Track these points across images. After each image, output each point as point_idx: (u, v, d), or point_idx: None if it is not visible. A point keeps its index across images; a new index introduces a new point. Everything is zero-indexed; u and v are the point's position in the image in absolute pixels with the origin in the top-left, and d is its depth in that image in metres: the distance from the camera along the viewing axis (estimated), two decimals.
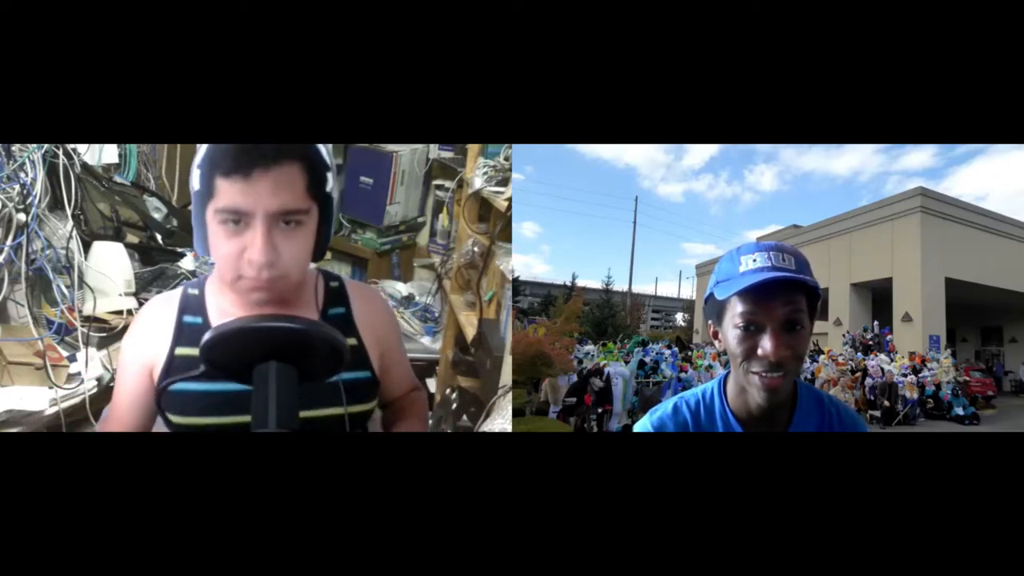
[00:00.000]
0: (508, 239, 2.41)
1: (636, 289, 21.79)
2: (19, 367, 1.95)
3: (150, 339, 1.21)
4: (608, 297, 18.76)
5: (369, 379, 1.27)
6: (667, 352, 8.43)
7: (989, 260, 10.91)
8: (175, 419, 1.18)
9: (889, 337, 9.88)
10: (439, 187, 3.31)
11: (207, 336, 0.95)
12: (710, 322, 0.89)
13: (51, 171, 2.20)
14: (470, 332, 2.37)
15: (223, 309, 1.20)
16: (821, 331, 11.52)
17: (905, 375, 7.73)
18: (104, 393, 2.02)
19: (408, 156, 3.24)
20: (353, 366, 1.24)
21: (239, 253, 1.05)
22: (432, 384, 2.74)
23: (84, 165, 2.39)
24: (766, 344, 0.80)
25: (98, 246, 2.31)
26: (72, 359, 2.08)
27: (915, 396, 7.46)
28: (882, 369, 7.79)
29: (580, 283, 20.21)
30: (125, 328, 1.30)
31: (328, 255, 3.20)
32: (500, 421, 1.87)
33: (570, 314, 9.78)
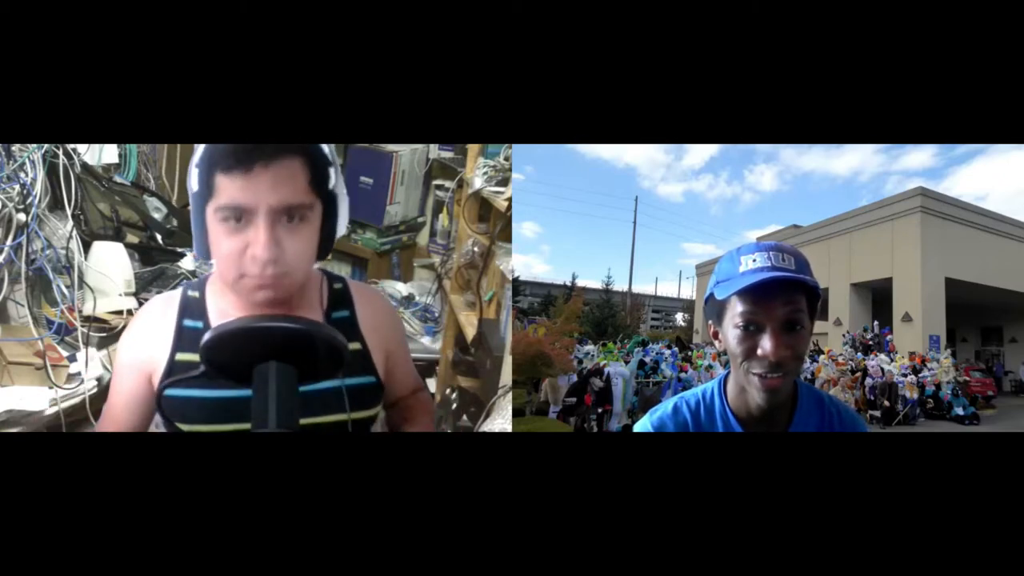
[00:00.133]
0: (508, 239, 2.41)
1: (636, 289, 21.82)
2: (19, 367, 1.95)
3: (149, 343, 1.19)
4: (608, 297, 18.76)
5: (373, 384, 1.26)
6: (667, 352, 8.43)
7: (989, 260, 10.91)
8: (176, 424, 1.17)
9: (889, 337, 9.88)
10: (439, 187, 3.31)
11: (207, 337, 0.94)
12: (710, 322, 0.89)
13: (51, 171, 2.20)
14: (470, 332, 2.37)
15: (224, 312, 1.18)
16: (821, 331, 11.52)
17: (905, 375, 7.73)
18: (104, 393, 2.02)
19: (408, 156, 3.24)
20: (357, 371, 1.23)
21: (241, 251, 1.03)
22: (432, 384, 2.74)
23: (84, 165, 2.39)
24: (766, 344, 0.80)
25: (98, 246, 2.31)
26: (72, 359, 2.08)
27: (915, 396, 7.46)
28: (882, 369, 7.79)
29: (580, 283, 20.23)
30: (125, 328, 1.29)
31: (328, 255, 3.22)
32: (500, 421, 1.87)
33: (570, 314, 9.78)
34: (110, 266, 2.28)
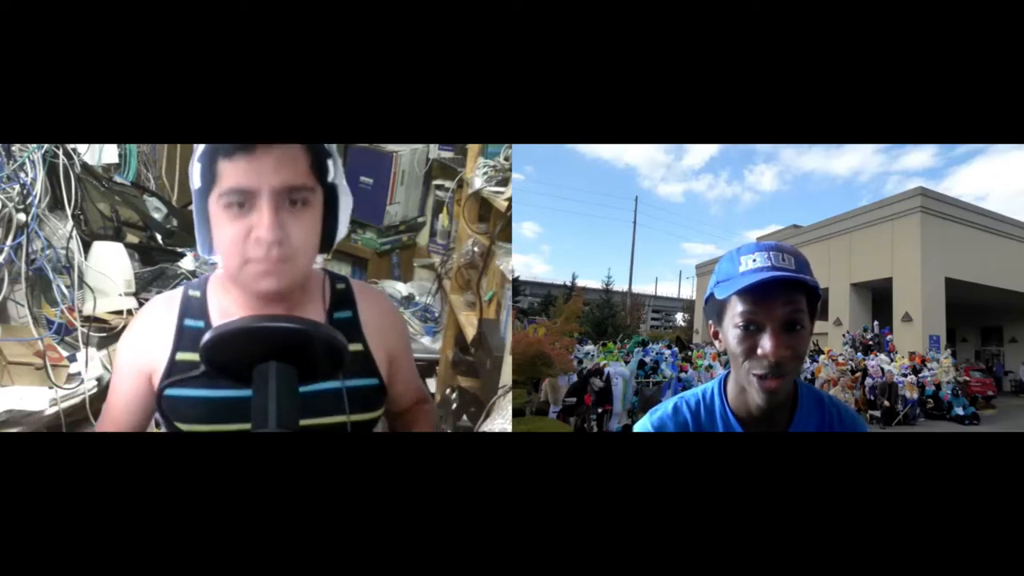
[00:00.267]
0: (508, 239, 2.41)
1: (636, 289, 21.83)
2: (19, 367, 1.95)
3: (149, 343, 1.19)
4: (608, 297, 18.77)
5: (376, 386, 1.24)
6: (667, 352, 8.44)
7: (989, 260, 10.91)
8: (176, 424, 1.17)
9: (889, 337, 9.88)
10: (439, 187, 3.31)
11: (207, 336, 0.94)
12: (710, 322, 0.89)
13: (51, 171, 2.20)
14: (470, 332, 2.37)
15: (226, 311, 1.18)
16: (821, 331, 11.52)
17: (905, 375, 7.74)
18: (104, 393, 2.02)
19: (408, 156, 3.24)
20: (359, 372, 1.21)
21: (245, 236, 1.03)
22: (432, 384, 2.74)
23: (84, 165, 2.39)
24: (766, 344, 0.80)
25: (98, 246, 2.31)
26: (72, 359, 2.08)
27: (915, 396, 7.47)
28: (882, 369, 7.80)
29: (580, 283, 20.25)
30: (125, 328, 1.29)
31: (328, 255, 3.22)
32: (500, 421, 1.87)
33: (570, 314, 9.78)
34: (110, 266, 2.28)
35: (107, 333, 2.20)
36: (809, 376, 7.48)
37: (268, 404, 0.92)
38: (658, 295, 27.65)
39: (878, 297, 11.69)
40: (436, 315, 2.98)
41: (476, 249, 2.55)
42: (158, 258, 2.55)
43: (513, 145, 2.44)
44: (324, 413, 1.16)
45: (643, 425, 0.92)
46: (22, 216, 2.06)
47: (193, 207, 1.11)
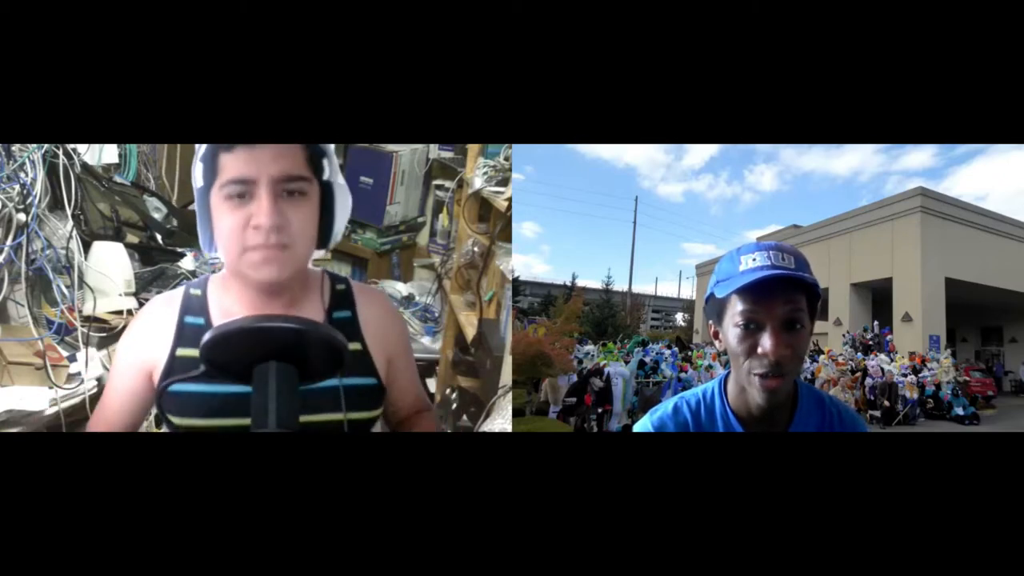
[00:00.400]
0: (508, 239, 2.41)
1: (636, 289, 21.83)
2: (19, 367, 1.95)
3: (150, 341, 1.19)
4: (608, 297, 18.77)
5: (374, 386, 1.24)
6: (667, 352, 8.44)
7: (989, 260, 10.91)
8: (177, 421, 1.17)
9: (889, 337, 9.88)
10: (439, 187, 3.31)
11: (207, 336, 0.94)
12: (711, 322, 0.90)
13: (51, 171, 2.19)
14: (470, 332, 2.37)
15: (226, 309, 1.19)
16: (821, 331, 11.52)
17: (905, 375, 7.74)
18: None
19: (408, 156, 3.24)
20: (357, 372, 1.21)
21: (245, 223, 1.06)
22: (432, 384, 2.74)
23: (84, 165, 2.39)
24: (766, 342, 0.80)
25: (98, 246, 2.31)
26: (72, 359, 2.08)
27: (915, 396, 7.47)
28: (882, 369, 7.80)
29: (580, 283, 20.25)
30: (125, 328, 1.29)
31: (328, 255, 3.22)
32: (500, 421, 1.87)
33: (570, 314, 9.78)
34: (110, 266, 2.28)
35: (107, 333, 2.20)
36: (809, 376, 7.48)
37: (268, 404, 0.92)
38: (658, 295, 27.68)
39: (878, 297, 11.69)
40: (436, 315, 2.98)
41: (476, 249, 2.55)
42: (158, 258, 2.55)
43: (513, 145, 2.44)
44: (321, 410, 1.16)
45: (643, 425, 0.92)
46: (22, 216, 2.06)
47: (196, 206, 1.14)
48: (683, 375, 7.38)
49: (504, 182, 2.40)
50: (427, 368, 2.75)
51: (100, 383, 2.07)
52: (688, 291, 24.75)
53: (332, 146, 1.16)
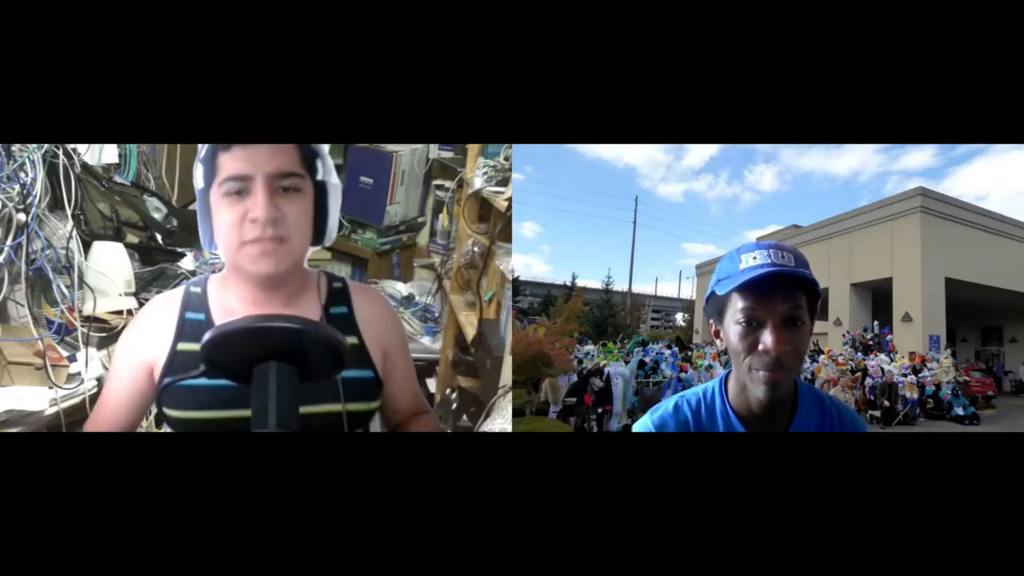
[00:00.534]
0: (508, 239, 2.41)
1: (636, 289, 21.83)
2: (19, 367, 1.95)
3: (151, 338, 1.20)
4: (608, 297, 18.77)
5: (371, 379, 1.26)
6: (667, 352, 8.43)
7: (989, 260, 10.91)
8: (173, 413, 1.17)
9: (889, 337, 9.88)
10: (439, 187, 3.31)
11: (207, 336, 0.94)
12: (711, 321, 0.90)
13: (51, 171, 2.19)
14: (470, 332, 2.37)
15: (226, 306, 1.21)
16: (821, 331, 11.52)
17: (905, 375, 7.73)
18: None
19: (408, 156, 3.24)
20: (355, 364, 1.23)
21: (242, 218, 1.10)
22: (432, 384, 2.74)
23: (84, 165, 2.39)
24: (767, 339, 0.81)
25: (98, 246, 2.31)
26: (72, 359, 2.08)
27: (915, 396, 7.47)
28: (882, 369, 7.79)
29: (580, 283, 20.24)
30: (125, 328, 1.29)
31: (328, 255, 3.21)
32: (500, 421, 1.87)
33: (570, 314, 9.79)
34: (110, 266, 2.28)
35: (107, 333, 2.20)
36: (809, 376, 7.48)
37: (268, 404, 0.92)
38: (658, 295, 27.67)
39: (878, 297, 11.69)
40: (436, 315, 2.98)
41: (476, 249, 2.55)
42: (158, 258, 2.55)
43: (513, 145, 2.44)
44: (317, 401, 1.17)
45: (644, 424, 0.92)
46: (22, 216, 2.06)
47: (197, 206, 1.17)
48: (683, 375, 7.37)
49: (504, 182, 2.40)
50: (427, 368, 2.75)
51: (100, 383, 2.07)
52: (688, 291, 24.77)
53: (326, 146, 1.20)
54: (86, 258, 2.26)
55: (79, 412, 1.99)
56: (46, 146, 2.15)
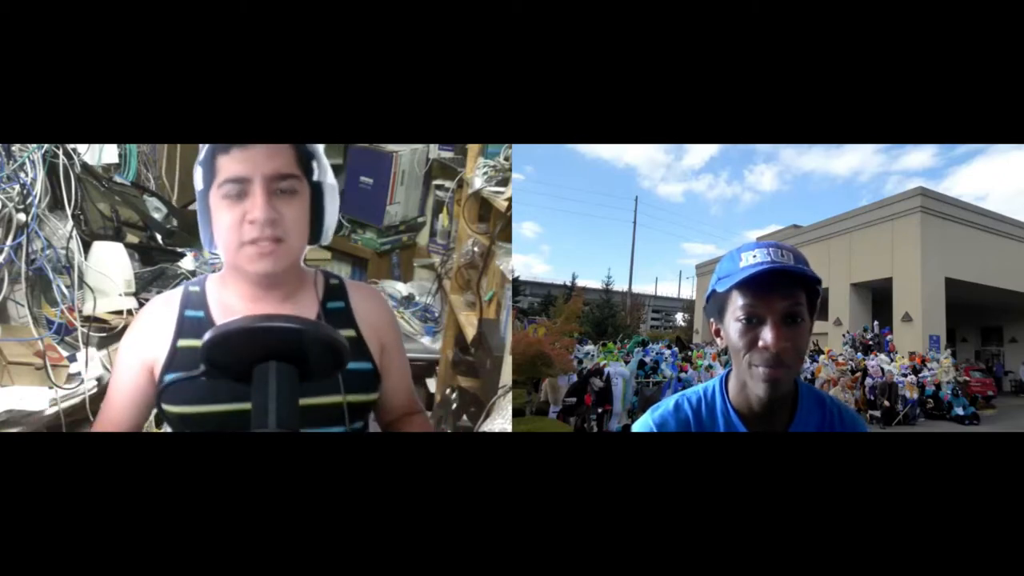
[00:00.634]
0: (508, 239, 2.41)
1: (636, 289, 21.83)
2: (19, 367, 1.95)
3: (151, 337, 1.21)
4: (608, 297, 18.77)
5: (370, 370, 1.28)
6: (667, 352, 8.43)
7: (989, 260, 10.91)
8: (173, 409, 1.17)
9: (889, 337, 9.88)
10: (439, 187, 3.31)
11: (208, 335, 0.95)
12: (712, 320, 0.91)
13: (51, 171, 2.19)
14: (470, 332, 2.37)
15: (225, 303, 1.22)
16: (821, 331, 11.52)
17: (905, 375, 7.73)
18: (104, 393, 2.02)
19: (408, 156, 3.24)
20: (353, 356, 1.23)
21: (241, 219, 1.12)
22: (432, 384, 2.74)
23: (84, 165, 2.38)
24: (766, 335, 0.82)
25: (98, 246, 2.31)
26: (72, 359, 2.08)
27: (915, 396, 7.46)
28: (882, 369, 7.79)
29: (580, 283, 20.25)
30: (125, 328, 1.30)
31: (328, 255, 3.21)
32: (500, 421, 1.87)
33: (570, 314, 9.79)
34: (110, 266, 2.27)
35: (107, 333, 2.20)
36: (809, 376, 7.48)
37: (268, 404, 0.92)
38: (658, 295, 27.68)
39: (878, 297, 11.69)
40: (436, 315, 2.98)
41: (476, 249, 2.55)
42: (158, 258, 2.55)
43: (513, 145, 2.44)
44: (317, 393, 1.18)
45: (644, 422, 0.93)
46: (22, 216, 2.06)
47: (197, 207, 1.18)
48: (683, 375, 7.37)
49: (504, 182, 2.40)
50: (427, 368, 2.75)
51: (100, 383, 2.07)
52: (688, 291, 24.75)
53: (321, 147, 1.21)
54: (86, 258, 2.26)
55: (79, 412, 1.99)
56: (46, 146, 2.15)
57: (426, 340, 2.85)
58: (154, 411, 1.27)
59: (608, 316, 16.67)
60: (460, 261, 2.64)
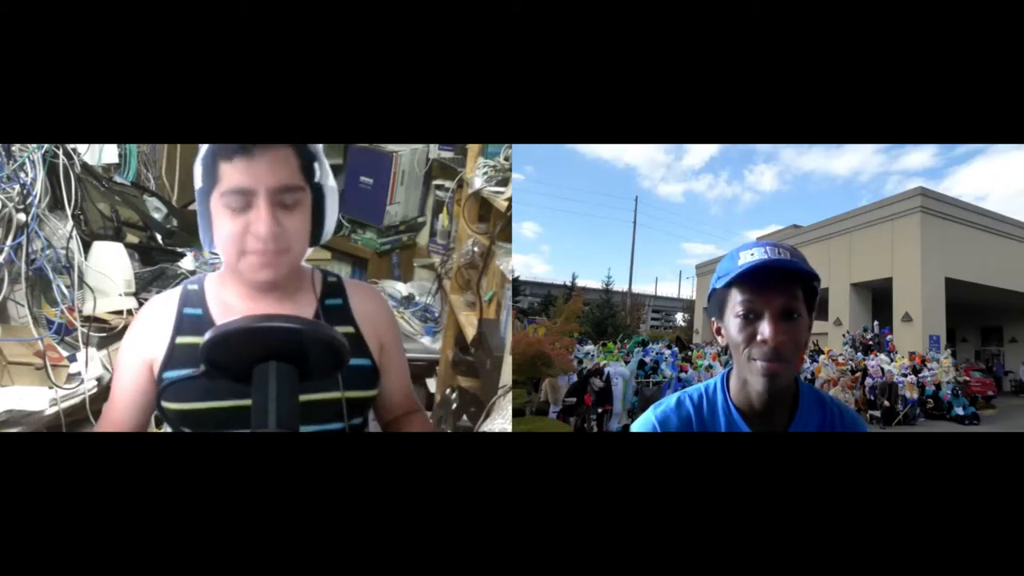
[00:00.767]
0: (508, 239, 2.41)
1: (636, 289, 21.83)
2: (19, 367, 1.95)
3: (150, 336, 1.21)
4: (608, 297, 18.77)
5: (369, 367, 1.28)
6: (667, 352, 8.44)
7: (989, 260, 10.91)
8: (172, 406, 1.17)
9: (889, 337, 9.88)
10: (439, 187, 3.31)
11: (208, 335, 0.95)
12: (713, 319, 0.92)
13: (51, 171, 2.19)
14: (470, 332, 2.37)
15: (224, 302, 1.22)
16: (821, 331, 11.52)
17: (905, 375, 7.73)
18: (104, 393, 2.02)
19: (408, 156, 3.24)
20: (352, 353, 1.23)
21: (244, 231, 1.11)
22: (432, 384, 2.73)
23: (84, 165, 2.39)
24: (765, 329, 0.83)
25: (98, 246, 2.31)
26: (72, 359, 2.08)
27: (915, 396, 7.46)
28: (882, 369, 7.79)
29: (580, 283, 20.25)
30: (125, 328, 1.30)
31: (328, 255, 3.21)
32: (500, 421, 1.87)
33: (570, 314, 9.78)
34: (110, 266, 2.28)
35: (107, 333, 2.20)
36: (809, 376, 7.48)
37: (268, 404, 0.92)
38: (658, 295, 27.68)
39: (878, 297, 11.68)
40: (436, 315, 2.98)
41: (476, 249, 2.55)
42: (158, 258, 2.55)
43: (513, 145, 2.44)
44: (316, 389, 1.18)
45: (646, 419, 0.93)
46: (22, 216, 2.06)
47: (196, 204, 1.18)
48: (683, 375, 7.38)
49: (504, 182, 2.40)
50: (427, 368, 2.75)
51: (100, 383, 2.07)
52: (688, 291, 24.75)
53: (321, 147, 1.20)
54: (86, 258, 2.26)
55: (79, 412, 1.99)
56: (46, 146, 2.15)
57: (426, 340, 2.85)
58: (154, 412, 1.27)
59: (608, 316, 16.67)
60: (460, 261, 2.64)
